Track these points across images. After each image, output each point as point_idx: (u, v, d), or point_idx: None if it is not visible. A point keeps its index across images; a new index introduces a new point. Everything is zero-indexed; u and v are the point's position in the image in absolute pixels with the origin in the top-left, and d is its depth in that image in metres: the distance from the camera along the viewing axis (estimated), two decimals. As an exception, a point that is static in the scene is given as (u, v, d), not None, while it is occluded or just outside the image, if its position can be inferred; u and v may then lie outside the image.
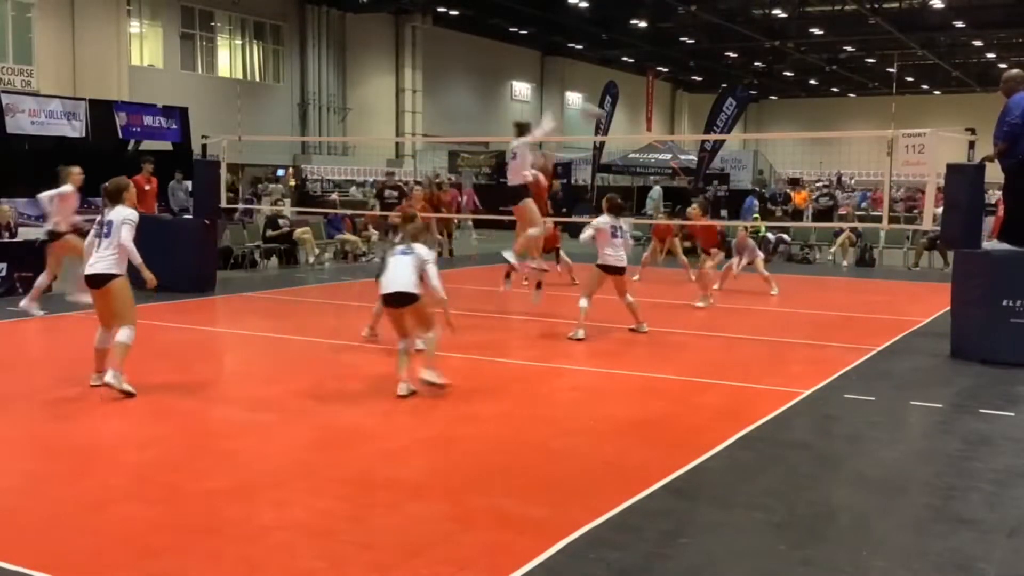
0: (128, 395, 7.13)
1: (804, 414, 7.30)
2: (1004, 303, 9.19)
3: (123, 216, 7.40)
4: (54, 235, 11.03)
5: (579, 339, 10.12)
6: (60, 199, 10.94)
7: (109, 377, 7.16)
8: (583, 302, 10.30)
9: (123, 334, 7.29)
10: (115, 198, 7.51)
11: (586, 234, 10.58)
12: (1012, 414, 7.36)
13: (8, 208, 14.63)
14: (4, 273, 12.77)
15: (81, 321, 10.97)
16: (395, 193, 20.26)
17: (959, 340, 9.56)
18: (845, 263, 20.17)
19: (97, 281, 7.36)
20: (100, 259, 7.34)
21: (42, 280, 11.17)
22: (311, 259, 18.28)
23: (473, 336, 10.64)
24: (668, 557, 4.49)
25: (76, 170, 11.10)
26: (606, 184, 31.99)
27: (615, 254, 10.31)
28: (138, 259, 7.47)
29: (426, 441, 6.37)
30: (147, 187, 16.80)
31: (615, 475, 5.71)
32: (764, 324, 11.77)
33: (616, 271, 10.39)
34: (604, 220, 10.41)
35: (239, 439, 6.41)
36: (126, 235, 7.35)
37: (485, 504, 5.13)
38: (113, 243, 7.33)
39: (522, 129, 11.12)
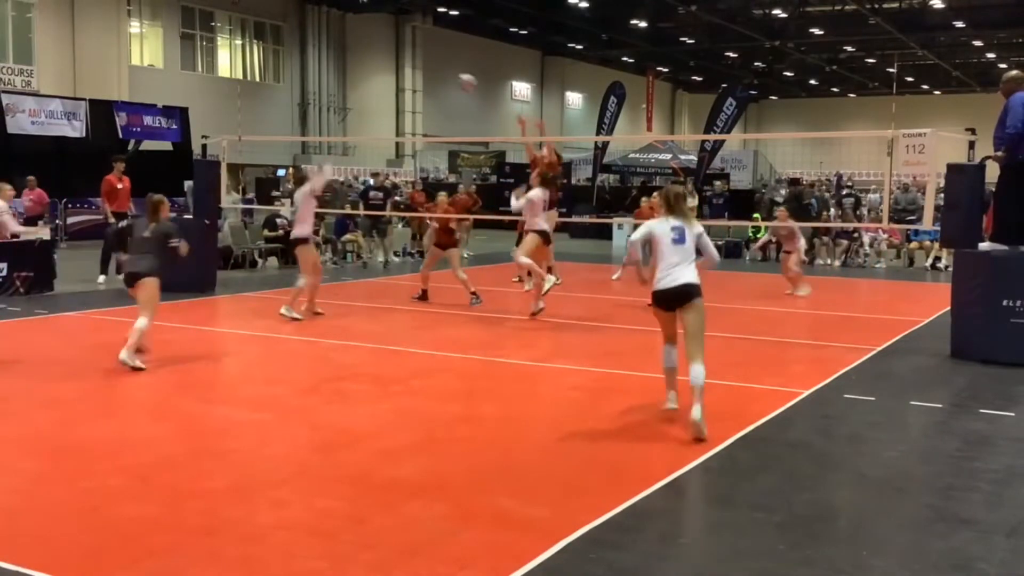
0: None
1: (804, 414, 7.30)
2: (1004, 303, 9.19)
3: None
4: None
5: None
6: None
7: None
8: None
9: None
10: None
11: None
12: (1012, 414, 7.35)
13: (7, 207, 14.59)
14: (4, 273, 12.77)
15: (80, 321, 10.97)
16: (380, 194, 20.35)
17: (959, 340, 9.55)
18: (836, 263, 20.05)
19: None
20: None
21: None
22: None
23: (473, 336, 10.65)
24: (668, 557, 4.49)
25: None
26: (606, 184, 32.02)
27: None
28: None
29: (426, 441, 6.36)
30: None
31: (615, 475, 5.71)
32: (764, 324, 11.77)
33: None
34: None
35: (239, 439, 6.41)
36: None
37: (485, 504, 5.13)
38: None
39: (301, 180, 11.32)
